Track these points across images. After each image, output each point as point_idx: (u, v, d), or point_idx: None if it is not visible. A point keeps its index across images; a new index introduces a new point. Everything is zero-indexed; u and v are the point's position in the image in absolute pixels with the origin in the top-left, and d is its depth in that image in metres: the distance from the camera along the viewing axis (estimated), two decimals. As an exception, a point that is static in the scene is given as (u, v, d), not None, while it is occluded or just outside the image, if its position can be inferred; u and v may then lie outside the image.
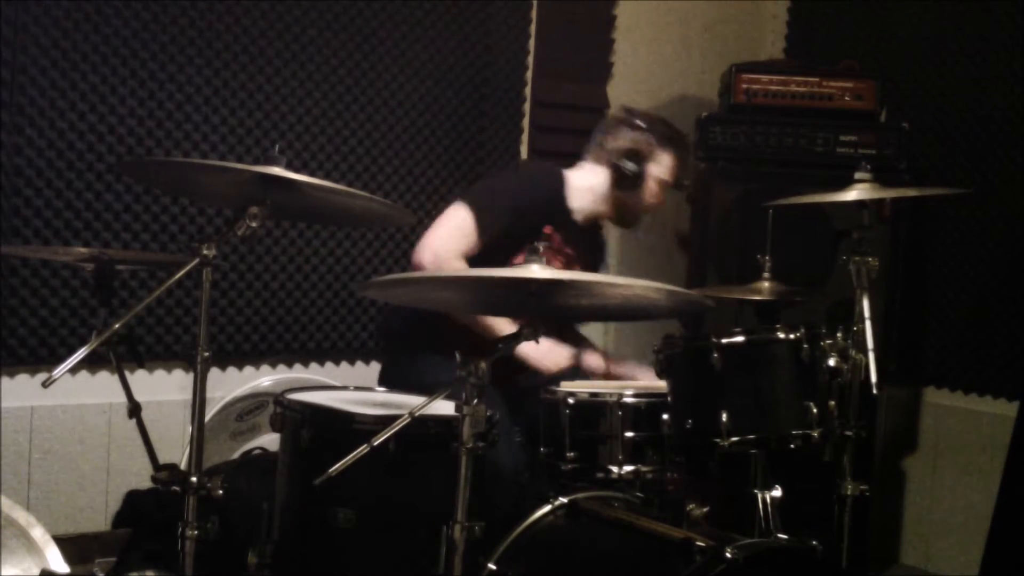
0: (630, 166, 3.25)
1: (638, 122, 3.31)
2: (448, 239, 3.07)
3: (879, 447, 4.05)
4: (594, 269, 3.43)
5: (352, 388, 2.90)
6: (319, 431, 2.48)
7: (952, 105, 4.07)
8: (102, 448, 3.50)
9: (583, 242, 3.33)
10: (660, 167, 3.29)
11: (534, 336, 2.23)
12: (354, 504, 2.42)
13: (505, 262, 3.10)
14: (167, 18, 3.46)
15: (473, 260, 3.07)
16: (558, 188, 3.28)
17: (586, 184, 3.30)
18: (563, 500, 2.54)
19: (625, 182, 3.27)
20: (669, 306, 2.55)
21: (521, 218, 3.12)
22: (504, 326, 2.95)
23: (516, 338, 2.23)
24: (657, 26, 4.52)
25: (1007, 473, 3.56)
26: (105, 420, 3.49)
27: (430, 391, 2.26)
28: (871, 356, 2.72)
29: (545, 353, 3.00)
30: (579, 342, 3.36)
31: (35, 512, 3.08)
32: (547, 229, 3.20)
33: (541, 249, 2.21)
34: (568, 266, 3.26)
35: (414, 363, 3.16)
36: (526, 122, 4.22)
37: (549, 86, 4.25)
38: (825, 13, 4.53)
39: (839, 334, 2.71)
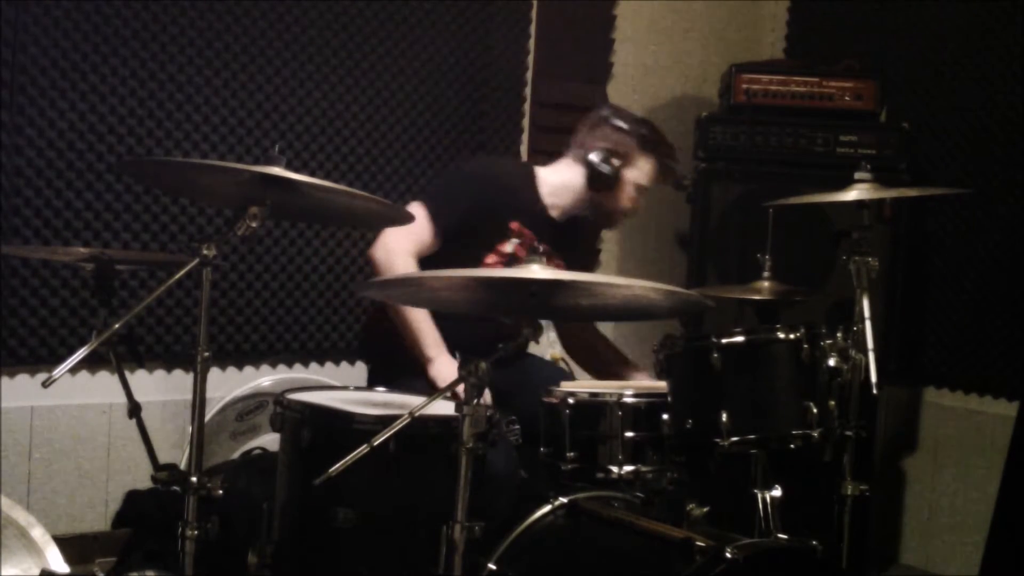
0: (605, 167, 3.19)
1: (619, 123, 3.24)
2: (400, 237, 3.07)
3: (879, 447, 4.05)
4: (580, 268, 3.40)
5: (352, 388, 2.90)
6: (319, 431, 2.48)
7: (952, 105, 4.07)
8: (102, 448, 3.50)
9: (560, 240, 3.26)
10: (638, 172, 3.23)
11: (535, 336, 2.24)
12: (354, 504, 2.42)
13: (476, 262, 3.11)
14: (167, 18, 3.46)
15: (441, 259, 3.05)
16: (526, 183, 3.25)
17: (559, 180, 3.27)
18: (563, 500, 2.54)
19: (599, 182, 3.21)
20: (669, 306, 2.55)
21: (482, 214, 3.10)
22: (425, 336, 3.01)
23: (516, 338, 2.23)
24: (657, 26, 4.52)
25: (1007, 473, 3.56)
26: (105, 420, 3.49)
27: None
28: (871, 356, 2.71)
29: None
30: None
31: (35, 512, 3.08)
32: (513, 225, 3.17)
33: (540, 248, 2.21)
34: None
35: (395, 368, 3.15)
36: (526, 122, 4.22)
37: (549, 86, 4.25)
38: (825, 13, 4.53)
39: (839, 334, 2.70)
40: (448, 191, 3.20)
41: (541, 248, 3.18)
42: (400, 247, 3.05)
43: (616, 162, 3.20)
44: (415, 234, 3.06)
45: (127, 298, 3.42)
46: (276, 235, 3.72)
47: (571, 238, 3.34)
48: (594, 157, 3.20)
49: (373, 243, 3.12)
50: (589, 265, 3.57)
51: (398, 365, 3.10)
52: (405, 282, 2.52)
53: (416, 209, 3.09)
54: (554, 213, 3.27)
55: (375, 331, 3.36)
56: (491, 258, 3.16)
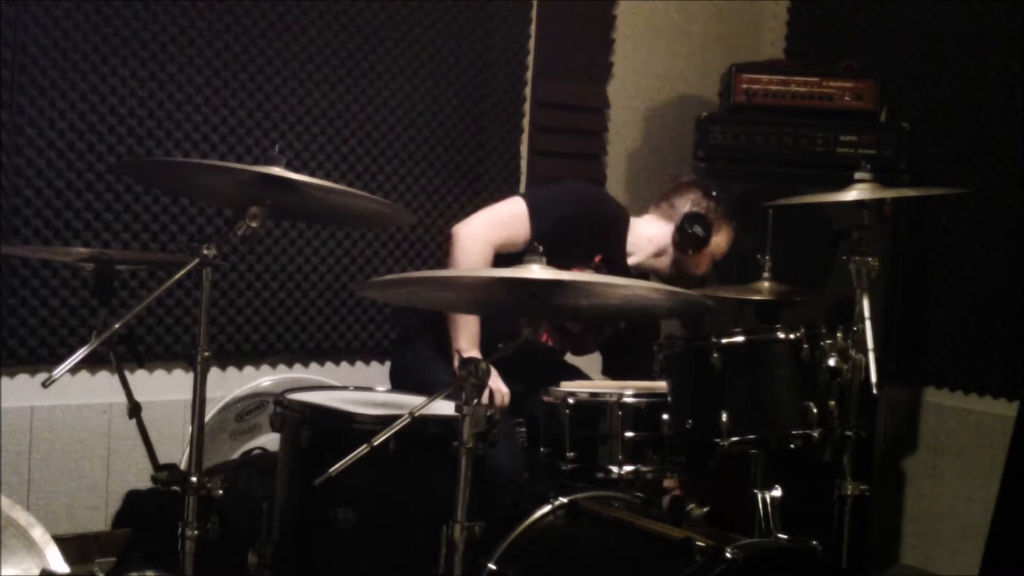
0: (699, 229, 3.25)
1: (715, 192, 3.33)
2: (491, 224, 3.08)
3: (879, 447, 4.05)
4: None
5: (352, 388, 2.90)
6: (319, 431, 2.48)
7: (952, 105, 4.07)
8: (102, 448, 3.50)
9: None
10: (720, 239, 3.31)
11: (535, 336, 2.24)
12: (354, 504, 2.42)
13: None
14: (167, 18, 3.46)
15: (514, 260, 3.03)
16: (620, 225, 3.29)
17: (647, 234, 3.31)
18: (563, 500, 2.54)
19: (688, 243, 3.27)
20: (669, 306, 2.55)
21: (574, 236, 3.11)
22: (466, 329, 2.98)
23: (516, 338, 2.23)
24: (657, 26, 4.52)
25: (1007, 473, 3.56)
26: (105, 420, 3.49)
27: (436, 387, 2.27)
28: (871, 356, 2.71)
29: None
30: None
31: (35, 512, 3.08)
32: (597, 258, 3.21)
33: (540, 248, 2.20)
34: None
35: (422, 357, 3.16)
36: (526, 122, 4.22)
37: (549, 86, 4.24)
38: (825, 13, 4.53)
39: (839, 334, 2.71)
40: (557, 198, 3.23)
41: None
42: (486, 234, 3.06)
43: (707, 227, 3.26)
44: (508, 226, 3.08)
45: (127, 298, 3.42)
46: (276, 235, 3.72)
47: None
48: (688, 220, 3.26)
49: (462, 221, 3.12)
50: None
51: (421, 361, 3.14)
52: (405, 282, 2.52)
53: (516, 203, 3.13)
54: (631, 262, 3.32)
55: (403, 327, 3.39)
56: None
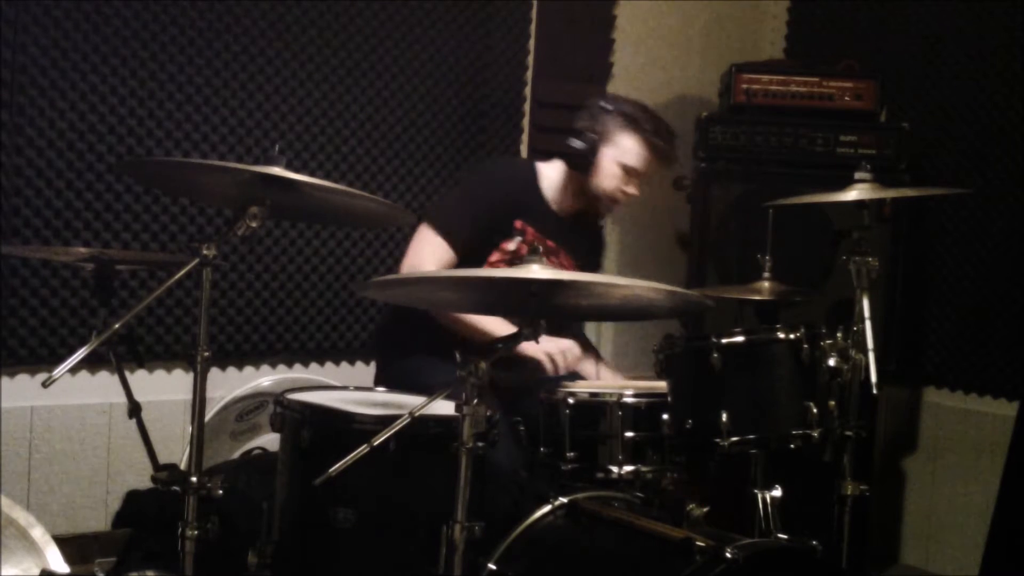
0: (577, 143, 3.17)
1: (602, 103, 3.23)
2: (421, 263, 3.09)
3: (879, 447, 4.05)
4: (585, 265, 3.35)
5: (352, 388, 2.90)
6: (319, 431, 2.49)
7: (952, 105, 4.07)
8: (102, 448, 3.50)
9: (567, 236, 3.26)
10: (618, 150, 3.17)
11: (534, 336, 2.23)
12: (354, 504, 2.42)
13: (480, 262, 3.10)
14: (167, 18, 3.46)
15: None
16: (526, 181, 3.25)
17: (555, 174, 3.27)
18: (563, 500, 2.54)
19: (576, 162, 3.18)
20: (669, 306, 2.55)
21: (487, 217, 3.12)
22: (498, 325, 2.94)
23: (516, 338, 2.23)
24: (657, 26, 4.52)
25: (1007, 473, 3.56)
26: (105, 420, 3.49)
27: (422, 393, 2.27)
28: (871, 356, 2.72)
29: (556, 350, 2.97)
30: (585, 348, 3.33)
31: (35, 512, 3.07)
32: (517, 223, 3.18)
33: (539, 248, 2.21)
34: (548, 259, 3.22)
35: (407, 366, 3.16)
36: (526, 122, 4.22)
37: (549, 86, 4.24)
38: (825, 13, 4.53)
39: (839, 334, 2.71)
40: (454, 207, 3.23)
41: (542, 247, 3.18)
42: (423, 267, 3.07)
43: (591, 138, 3.17)
44: (436, 254, 3.09)
45: (127, 298, 3.42)
46: (276, 235, 3.72)
47: (578, 234, 3.33)
48: (569, 139, 3.19)
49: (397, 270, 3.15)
50: (599, 261, 3.56)
51: (410, 368, 3.13)
52: (406, 282, 2.52)
53: (425, 233, 3.13)
54: (556, 208, 3.27)
55: (389, 333, 3.39)
56: (495, 256, 3.16)
